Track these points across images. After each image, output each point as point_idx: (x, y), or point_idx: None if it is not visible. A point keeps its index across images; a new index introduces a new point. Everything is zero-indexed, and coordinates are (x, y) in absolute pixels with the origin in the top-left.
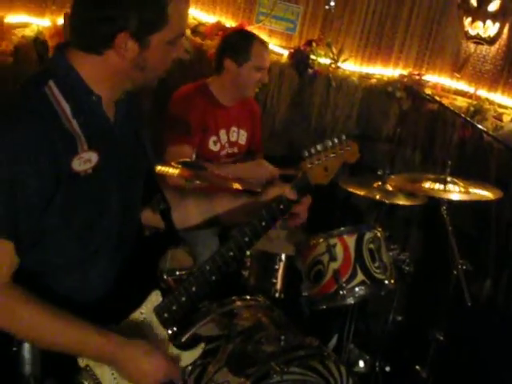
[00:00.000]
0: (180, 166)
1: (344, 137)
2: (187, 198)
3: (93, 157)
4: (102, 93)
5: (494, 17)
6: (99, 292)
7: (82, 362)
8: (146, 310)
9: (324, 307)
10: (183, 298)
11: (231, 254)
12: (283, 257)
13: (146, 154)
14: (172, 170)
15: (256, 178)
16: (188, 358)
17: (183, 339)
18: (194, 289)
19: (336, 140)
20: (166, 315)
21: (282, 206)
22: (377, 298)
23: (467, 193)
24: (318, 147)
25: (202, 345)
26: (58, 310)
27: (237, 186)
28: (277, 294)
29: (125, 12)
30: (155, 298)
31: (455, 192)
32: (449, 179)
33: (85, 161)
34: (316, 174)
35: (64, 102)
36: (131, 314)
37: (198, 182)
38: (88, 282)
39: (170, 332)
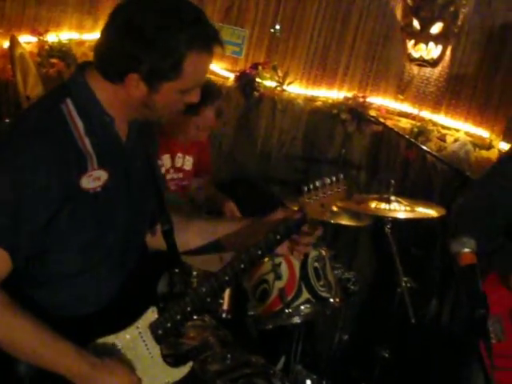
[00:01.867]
0: None
1: (342, 176)
2: (193, 221)
3: (102, 175)
4: (114, 115)
5: (437, 39)
6: (97, 304)
7: None
8: (142, 325)
9: (270, 326)
10: (178, 317)
11: (226, 278)
12: None
13: (155, 174)
14: None
15: None
16: (177, 374)
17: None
18: (188, 309)
19: (334, 178)
20: (160, 332)
21: (278, 237)
22: (323, 318)
23: (412, 211)
24: (317, 183)
25: (191, 363)
26: (40, 322)
27: None
28: (224, 315)
29: (139, 55)
30: (151, 314)
31: (400, 211)
32: (393, 198)
33: (94, 178)
34: (313, 210)
35: (78, 120)
36: (127, 328)
37: None
38: (87, 293)
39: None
